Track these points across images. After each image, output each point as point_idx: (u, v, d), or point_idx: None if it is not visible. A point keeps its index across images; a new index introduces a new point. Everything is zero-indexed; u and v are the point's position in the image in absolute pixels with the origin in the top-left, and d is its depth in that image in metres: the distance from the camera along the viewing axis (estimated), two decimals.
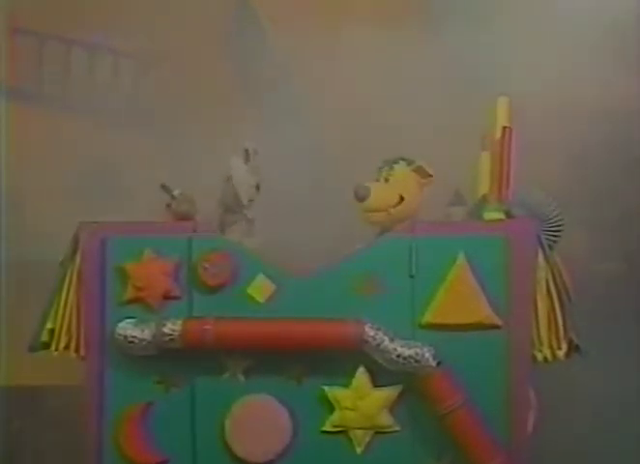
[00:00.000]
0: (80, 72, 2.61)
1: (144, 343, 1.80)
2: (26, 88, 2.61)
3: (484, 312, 1.79)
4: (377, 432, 1.81)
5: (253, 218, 2.00)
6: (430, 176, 1.90)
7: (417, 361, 1.75)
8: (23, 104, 2.60)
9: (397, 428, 1.81)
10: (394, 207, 1.90)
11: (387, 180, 1.92)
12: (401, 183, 1.91)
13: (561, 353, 1.80)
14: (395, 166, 1.91)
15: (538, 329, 1.80)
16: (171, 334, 1.78)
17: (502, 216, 1.87)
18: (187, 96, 2.52)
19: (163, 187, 1.95)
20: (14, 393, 2.51)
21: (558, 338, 1.80)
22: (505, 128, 1.88)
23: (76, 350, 1.86)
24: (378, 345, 1.76)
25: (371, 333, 1.76)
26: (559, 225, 1.87)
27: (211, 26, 2.59)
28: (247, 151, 1.96)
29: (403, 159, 1.92)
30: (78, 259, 1.87)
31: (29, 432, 2.51)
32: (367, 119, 2.46)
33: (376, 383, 1.80)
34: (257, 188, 1.98)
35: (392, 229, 1.88)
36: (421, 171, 1.90)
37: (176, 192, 1.95)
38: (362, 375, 1.80)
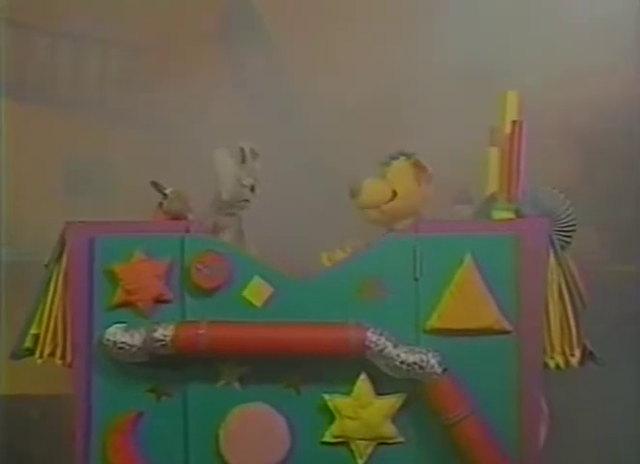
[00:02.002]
0: (71, 66, 2.57)
1: (134, 349, 1.75)
2: (23, 85, 2.57)
3: (493, 317, 1.74)
4: (380, 443, 1.76)
5: (242, 230, 1.96)
6: (426, 170, 1.87)
7: (421, 367, 1.70)
8: (23, 103, 2.57)
9: (401, 439, 1.76)
10: (387, 203, 1.87)
11: (384, 176, 1.90)
12: (396, 178, 1.88)
13: (574, 360, 1.75)
14: (393, 162, 1.89)
15: (549, 334, 1.75)
16: (163, 340, 1.74)
17: (511, 215, 1.82)
18: (185, 94, 2.49)
19: (155, 184, 1.92)
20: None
21: (571, 344, 1.75)
22: (514, 122, 1.83)
23: (62, 357, 1.81)
24: (381, 351, 1.71)
25: (374, 339, 1.71)
26: (572, 225, 1.82)
27: (210, 23, 2.55)
28: (242, 150, 1.91)
29: (403, 154, 1.88)
30: (65, 260, 1.82)
31: (13, 444, 2.46)
32: (369, 117, 2.42)
33: (379, 391, 1.75)
34: (252, 189, 1.93)
35: (396, 228, 1.84)
36: (418, 165, 1.87)
37: (168, 190, 1.92)
38: (363, 383, 1.75)
